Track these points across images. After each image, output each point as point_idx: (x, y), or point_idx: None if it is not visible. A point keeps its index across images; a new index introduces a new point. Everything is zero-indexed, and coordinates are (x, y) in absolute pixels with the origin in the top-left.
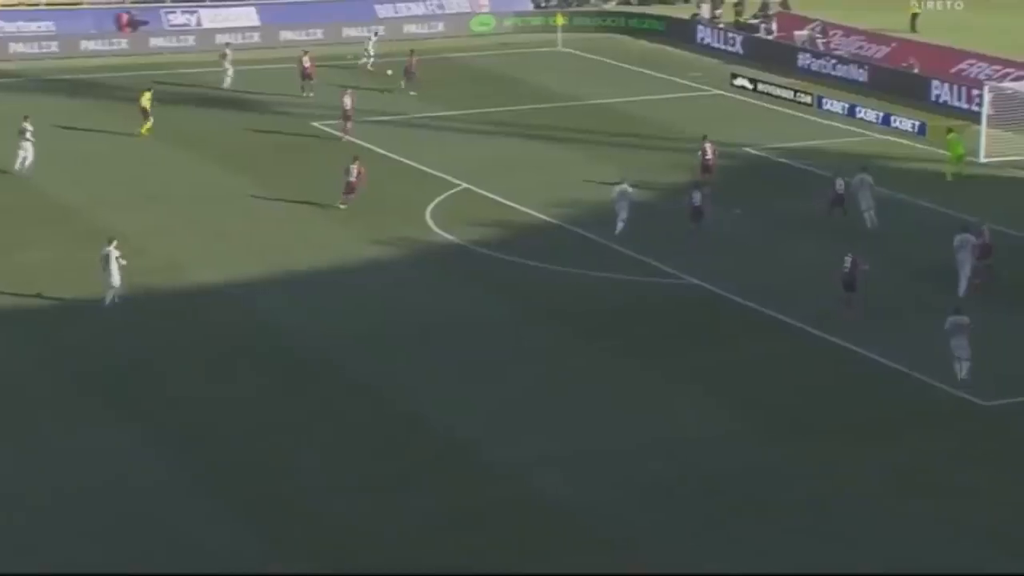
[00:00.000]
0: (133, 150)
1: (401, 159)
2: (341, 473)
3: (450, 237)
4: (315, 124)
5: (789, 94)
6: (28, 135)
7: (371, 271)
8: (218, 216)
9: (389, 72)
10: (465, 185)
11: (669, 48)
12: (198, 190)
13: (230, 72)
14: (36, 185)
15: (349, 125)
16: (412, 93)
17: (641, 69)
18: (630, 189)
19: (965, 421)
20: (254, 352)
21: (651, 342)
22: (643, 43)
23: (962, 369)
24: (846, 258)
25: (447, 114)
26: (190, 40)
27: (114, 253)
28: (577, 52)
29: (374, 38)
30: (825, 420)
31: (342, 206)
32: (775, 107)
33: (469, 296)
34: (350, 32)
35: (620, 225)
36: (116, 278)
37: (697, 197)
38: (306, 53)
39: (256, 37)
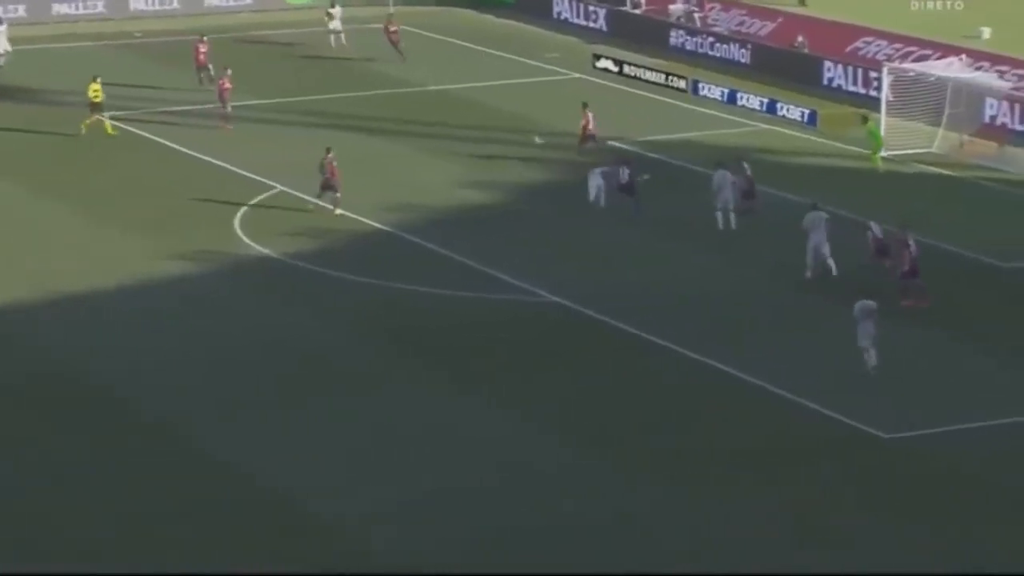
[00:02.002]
0: None
1: (203, 157)
2: (133, 532)
3: (263, 249)
4: (100, 117)
5: (660, 78)
6: None
7: (168, 291)
8: None
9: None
10: (280, 187)
11: (521, 24)
12: None
13: (7, 49)
14: None
15: (229, 109)
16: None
17: (488, 49)
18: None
19: (864, 456)
20: (22, 388)
21: (499, 369)
22: (490, 19)
23: (871, 358)
24: (911, 240)
25: (258, 103)
26: None
27: None
28: (412, 29)
29: (336, 11)
30: (703, 456)
31: (337, 211)
32: (644, 93)
33: (285, 318)
34: (138, 5)
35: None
36: None
37: (624, 174)
38: (203, 39)
39: (22, 11)
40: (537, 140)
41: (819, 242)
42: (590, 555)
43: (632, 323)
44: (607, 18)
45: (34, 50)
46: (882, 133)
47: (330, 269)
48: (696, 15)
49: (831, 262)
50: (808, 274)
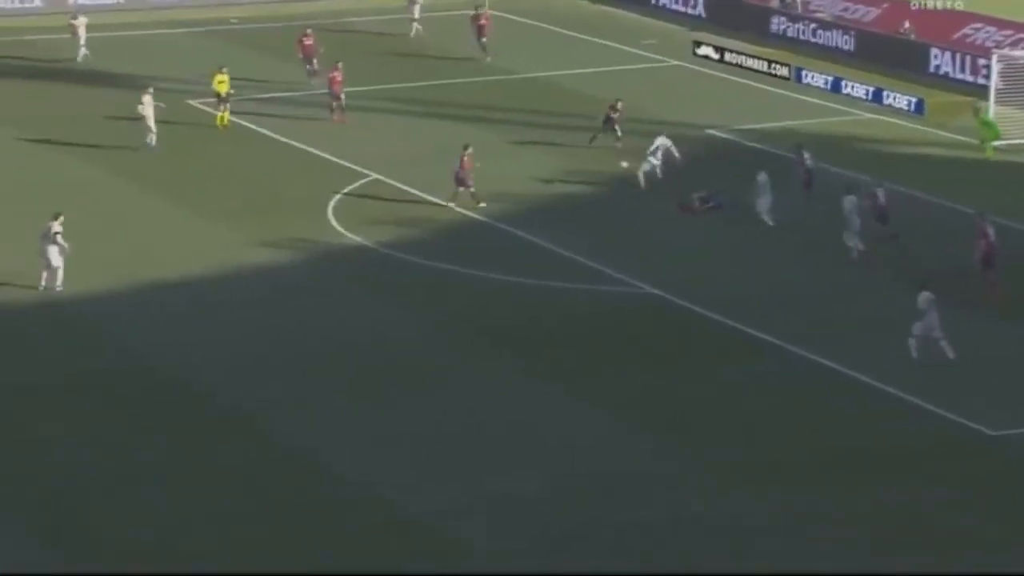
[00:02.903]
0: None
1: (297, 144)
2: (218, 528)
3: (356, 238)
4: (192, 103)
5: (762, 65)
6: None
7: (260, 281)
8: (70, 217)
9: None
10: (374, 176)
11: (618, 11)
12: (45, 185)
13: (82, 44)
14: None
15: (335, 104)
16: (489, 59)
17: (584, 36)
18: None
19: (970, 454)
20: (107, 380)
21: (592, 363)
22: (585, 4)
23: (947, 348)
24: (989, 228)
25: (351, 90)
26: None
27: (56, 229)
28: (507, 15)
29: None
30: (800, 457)
31: (481, 203)
32: (746, 81)
33: (377, 309)
34: None
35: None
36: (57, 258)
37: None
38: (307, 31)
39: None
40: (624, 165)
41: (854, 225)
42: (679, 556)
43: (730, 316)
44: (706, 4)
45: (129, 37)
46: (992, 120)
47: (424, 258)
48: (799, 0)
49: (858, 242)
50: (855, 254)
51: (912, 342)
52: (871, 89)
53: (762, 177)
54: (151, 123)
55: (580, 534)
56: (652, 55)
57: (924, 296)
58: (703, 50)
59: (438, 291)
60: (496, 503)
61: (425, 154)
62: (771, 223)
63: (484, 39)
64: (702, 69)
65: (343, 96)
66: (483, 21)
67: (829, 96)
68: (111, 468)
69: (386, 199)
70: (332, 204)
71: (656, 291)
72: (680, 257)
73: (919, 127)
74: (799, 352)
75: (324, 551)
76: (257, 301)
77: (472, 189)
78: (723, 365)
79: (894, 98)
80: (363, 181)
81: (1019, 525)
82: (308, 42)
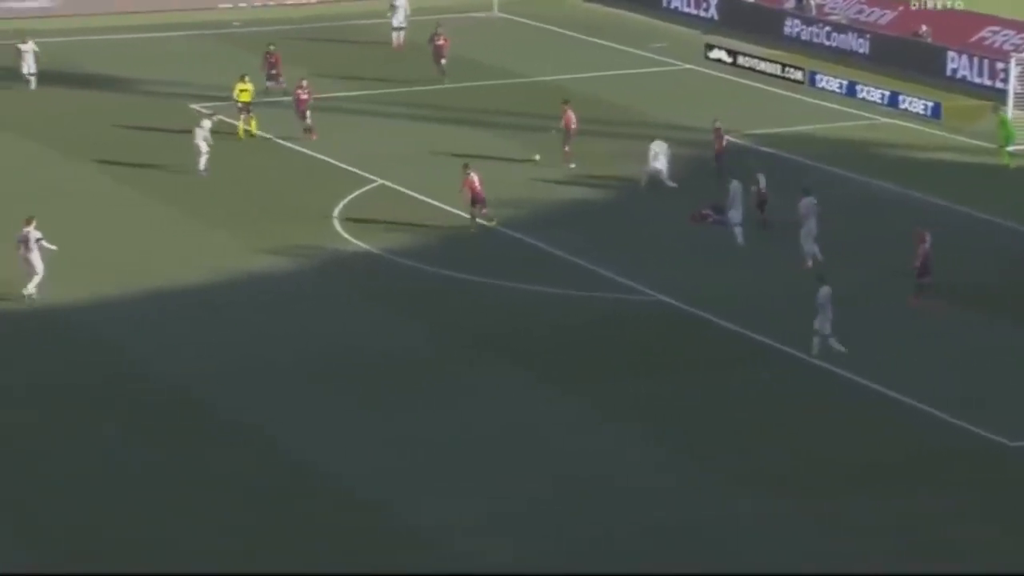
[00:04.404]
0: None
1: (302, 150)
2: (216, 541)
3: (362, 244)
4: (196, 107)
5: (776, 69)
6: None
7: (262, 289)
8: (65, 222)
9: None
10: (381, 181)
11: (628, 13)
12: (39, 189)
13: (31, 70)
14: None
15: (309, 121)
16: (447, 82)
17: (594, 39)
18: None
19: (987, 464)
20: (103, 390)
21: (601, 372)
22: (596, 7)
23: (837, 344)
24: (927, 235)
25: (357, 94)
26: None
27: (34, 235)
28: (515, 18)
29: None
30: (812, 466)
31: (490, 222)
32: (759, 85)
33: (382, 317)
34: None
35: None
36: (39, 264)
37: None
38: (271, 45)
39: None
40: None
41: (811, 229)
42: (682, 563)
43: (740, 323)
44: (719, 6)
45: (136, 40)
46: (1009, 121)
47: (430, 265)
48: (813, 2)
49: (816, 248)
50: (809, 263)
51: (816, 340)
52: (887, 93)
53: (734, 185)
54: (204, 146)
55: (584, 539)
56: (663, 58)
57: (824, 291)
58: (715, 53)
59: (445, 298)
60: (501, 509)
61: (431, 160)
62: (740, 240)
63: (443, 61)
64: (714, 72)
65: (309, 115)
66: (440, 42)
67: (844, 100)
68: (108, 473)
69: (393, 205)
70: (338, 209)
71: (664, 297)
72: (687, 263)
73: (935, 131)
74: (807, 358)
75: (323, 554)
76: (260, 307)
77: (485, 209)
78: (732, 371)
79: (910, 102)
80: (369, 187)
81: None
82: (271, 60)
